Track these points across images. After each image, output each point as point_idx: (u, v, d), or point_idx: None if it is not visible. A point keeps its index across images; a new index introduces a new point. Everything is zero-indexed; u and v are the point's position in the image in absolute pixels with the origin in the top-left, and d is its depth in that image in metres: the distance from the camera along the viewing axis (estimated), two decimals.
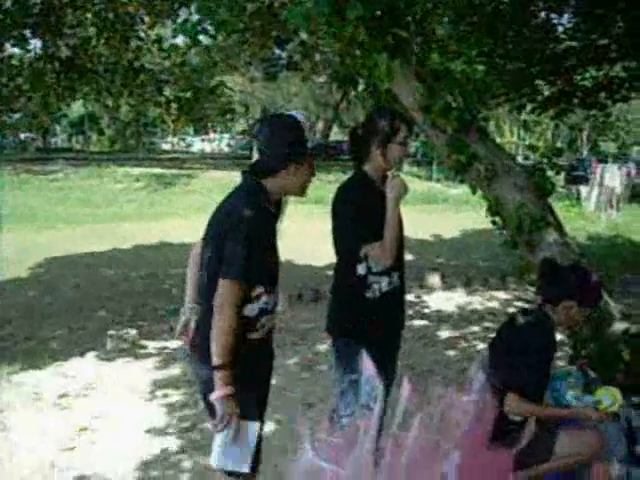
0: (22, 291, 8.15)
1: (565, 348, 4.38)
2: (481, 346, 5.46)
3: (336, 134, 43.57)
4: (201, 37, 5.57)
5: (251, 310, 2.40)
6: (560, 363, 4.29)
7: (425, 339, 6.11)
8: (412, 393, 2.10)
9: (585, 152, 35.61)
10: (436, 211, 17.66)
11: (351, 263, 2.83)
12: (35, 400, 4.72)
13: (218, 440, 2.36)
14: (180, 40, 10.43)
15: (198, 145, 49.41)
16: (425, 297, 7.76)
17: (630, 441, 3.03)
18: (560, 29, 7.92)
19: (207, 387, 2.43)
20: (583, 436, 2.80)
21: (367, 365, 2.21)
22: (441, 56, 6.42)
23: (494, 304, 7.52)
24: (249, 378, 2.38)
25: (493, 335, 3.11)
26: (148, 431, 4.17)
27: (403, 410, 2.09)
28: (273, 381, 2.70)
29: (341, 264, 2.94)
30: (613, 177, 17.77)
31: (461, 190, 17.33)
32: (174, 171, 24.69)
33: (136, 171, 24.08)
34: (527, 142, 32.19)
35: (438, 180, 24.93)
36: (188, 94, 10.56)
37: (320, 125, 36.75)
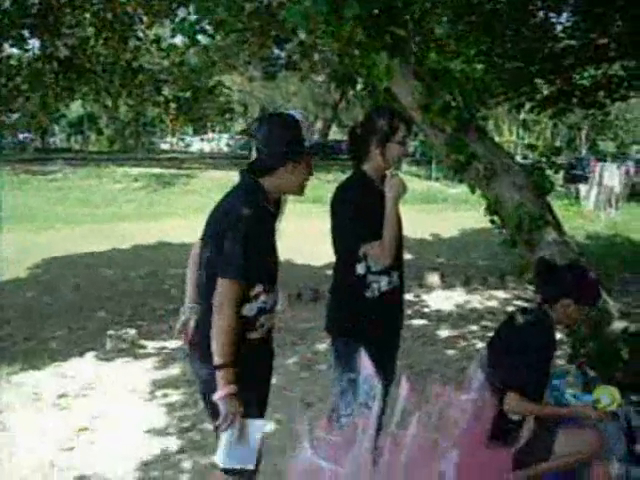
0: (21, 291, 8.14)
1: (564, 347, 4.39)
2: (480, 345, 5.46)
3: (335, 133, 43.57)
4: (199, 37, 5.57)
5: (249, 310, 2.40)
6: (559, 362, 4.29)
7: (424, 338, 6.11)
8: (410, 392, 2.10)
9: (584, 151, 35.61)
10: (435, 210, 17.65)
11: (350, 262, 2.83)
12: (34, 400, 4.72)
13: (223, 439, 2.35)
14: (179, 40, 10.42)
15: (197, 145, 49.33)
16: (424, 296, 7.76)
17: (629, 440, 3.03)
18: (559, 28, 7.91)
19: (207, 386, 2.43)
20: (583, 435, 2.80)
21: (365, 364, 2.21)
22: (439, 55, 6.44)
23: (493, 303, 7.53)
24: (249, 378, 2.38)
25: (492, 334, 3.12)
26: (148, 431, 4.17)
27: (401, 409, 2.09)
28: (273, 381, 2.70)
29: (340, 264, 2.94)
30: (612, 176, 17.76)
31: (460, 189, 17.30)
32: (173, 171, 24.67)
33: (135, 171, 24.06)
34: (526, 141, 32.16)
35: (437, 179, 24.92)
36: (187, 94, 10.57)
37: (319, 124, 36.74)
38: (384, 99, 4.29)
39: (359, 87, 5.08)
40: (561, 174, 21.93)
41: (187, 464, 3.74)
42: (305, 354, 5.64)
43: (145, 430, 4.18)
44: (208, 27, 5.32)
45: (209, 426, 3.11)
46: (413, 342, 5.87)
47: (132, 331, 6.13)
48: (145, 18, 9.23)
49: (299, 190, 2.55)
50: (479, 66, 7.41)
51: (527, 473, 2.77)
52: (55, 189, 20.79)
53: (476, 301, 7.64)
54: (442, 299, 7.70)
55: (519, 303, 6.92)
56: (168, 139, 50.61)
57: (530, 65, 7.74)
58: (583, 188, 19.14)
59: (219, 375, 2.29)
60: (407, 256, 4.02)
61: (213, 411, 2.49)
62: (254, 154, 2.51)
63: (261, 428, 2.42)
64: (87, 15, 9.21)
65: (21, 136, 40.46)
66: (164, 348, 5.86)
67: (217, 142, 49.60)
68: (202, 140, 49.77)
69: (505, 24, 7.29)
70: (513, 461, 2.62)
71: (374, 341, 2.74)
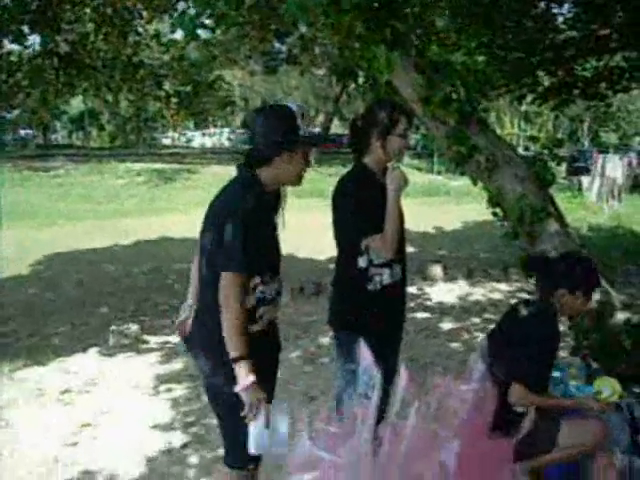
0: (24, 288, 8.16)
1: (567, 339, 4.38)
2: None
3: (337, 127, 43.52)
4: (199, 31, 5.53)
5: (248, 301, 2.39)
6: (562, 354, 4.28)
7: (427, 331, 6.11)
8: (409, 382, 2.10)
9: (586, 143, 35.58)
10: (437, 203, 17.64)
11: (352, 256, 2.82)
12: (38, 396, 4.73)
13: (253, 429, 2.33)
14: (179, 35, 10.39)
15: (198, 140, 49.33)
16: (427, 289, 7.76)
17: (633, 431, 3.03)
18: (560, 19, 7.87)
19: (211, 381, 2.44)
20: (586, 426, 2.79)
21: (365, 354, 2.20)
22: (440, 48, 6.41)
23: (496, 295, 7.52)
24: None
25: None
26: (151, 426, 4.17)
27: (401, 399, 2.09)
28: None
29: (342, 257, 2.94)
30: (614, 168, 17.73)
31: (462, 182, 17.28)
32: (175, 166, 24.67)
33: (137, 166, 24.06)
34: (528, 133, 32.12)
35: (439, 172, 24.90)
36: (187, 88, 10.57)
37: (320, 118, 36.72)
38: (385, 92, 4.27)
39: (360, 80, 5.06)
40: (564, 166, 21.90)
41: (192, 459, 3.75)
42: (308, 348, 5.65)
43: (149, 425, 4.18)
44: (208, 21, 5.29)
45: (213, 420, 3.12)
46: (416, 335, 5.87)
47: (135, 326, 6.14)
48: (145, 13, 9.22)
49: (296, 180, 2.54)
50: (480, 58, 7.37)
51: (530, 465, 2.77)
52: (57, 185, 20.80)
53: (479, 293, 7.64)
54: (445, 292, 7.70)
55: (522, 295, 6.90)
56: (170, 134, 50.62)
57: (531, 57, 7.71)
58: (585, 180, 19.13)
59: (237, 368, 2.28)
60: (409, 249, 4.01)
61: (215, 403, 2.50)
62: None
63: (286, 410, 2.40)
64: (87, 10, 9.20)
65: (22, 132, 40.53)
66: (167, 343, 5.86)
67: (219, 137, 49.58)
68: (204, 135, 49.77)
69: (506, 15, 7.26)
70: (516, 452, 2.61)
71: (376, 334, 2.73)
